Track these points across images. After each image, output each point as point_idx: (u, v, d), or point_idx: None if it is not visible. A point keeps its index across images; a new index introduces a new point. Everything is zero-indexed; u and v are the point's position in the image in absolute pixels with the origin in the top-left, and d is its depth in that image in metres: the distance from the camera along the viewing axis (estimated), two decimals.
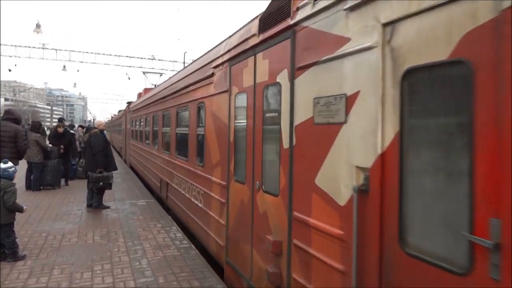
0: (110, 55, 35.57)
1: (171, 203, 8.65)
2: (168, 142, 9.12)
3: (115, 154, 22.58)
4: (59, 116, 16.11)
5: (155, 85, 19.21)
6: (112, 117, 47.86)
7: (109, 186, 9.06)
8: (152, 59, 35.03)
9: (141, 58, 35.53)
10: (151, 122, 12.04)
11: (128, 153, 19.99)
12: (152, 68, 34.62)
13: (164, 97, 9.58)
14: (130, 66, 35.53)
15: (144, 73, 23.08)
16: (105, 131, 10.18)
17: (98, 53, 35.17)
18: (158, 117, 10.56)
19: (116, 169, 9.48)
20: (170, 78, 10.31)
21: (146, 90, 18.29)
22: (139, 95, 19.77)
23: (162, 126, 10.02)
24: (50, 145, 11.83)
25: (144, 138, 13.84)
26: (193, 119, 6.64)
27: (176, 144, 8.20)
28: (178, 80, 8.15)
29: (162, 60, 35.59)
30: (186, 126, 7.29)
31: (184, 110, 7.48)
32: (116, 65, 35.54)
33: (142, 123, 14.70)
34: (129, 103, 21.78)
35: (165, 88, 9.60)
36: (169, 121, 9.07)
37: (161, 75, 23.57)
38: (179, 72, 9.12)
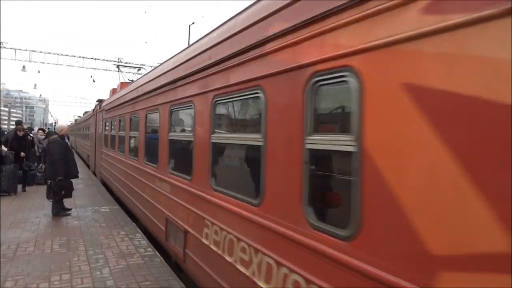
0: (74, 56, 34.37)
1: (199, 273, 4.54)
2: (186, 158, 5.00)
3: (80, 162, 21.74)
4: (17, 119, 15.32)
5: (132, 80, 16.46)
6: (76, 120, 43.84)
7: (69, 194, 8.77)
8: (118, 61, 34.13)
9: (107, 60, 34.58)
10: (143, 124, 7.68)
11: (99, 165, 15.22)
12: (118, 71, 33.80)
13: (176, 80, 5.51)
14: (95, 69, 34.50)
15: (118, 66, 20.12)
16: (67, 136, 9.71)
17: (61, 54, 33.87)
18: (161, 115, 6.28)
19: (77, 176, 9.13)
20: (190, 46, 5.51)
21: (123, 84, 14.09)
22: (113, 91, 15.55)
23: (168, 130, 5.92)
24: (5, 149, 11.23)
25: (128, 148, 9.26)
26: (288, 117, 2.87)
27: (213, 167, 4.25)
28: (224, 40, 3.99)
29: (129, 63, 34.75)
30: (252, 132, 3.67)
31: (245, 97, 3.70)
32: (80, 67, 34.37)
33: (124, 126, 9.97)
34: (100, 101, 17.53)
35: (177, 66, 5.52)
36: (183, 122, 5.91)
37: (139, 69, 19.77)
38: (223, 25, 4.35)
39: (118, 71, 19.65)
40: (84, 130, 26.32)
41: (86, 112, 31.73)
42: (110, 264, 5.56)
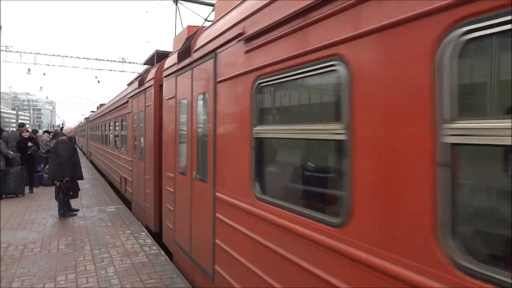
0: (78, 57, 34.62)
1: None
2: None
3: (90, 170, 21.72)
4: (20, 121, 15.46)
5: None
6: (88, 116, 30.73)
7: (76, 195, 8.86)
8: (123, 61, 34.32)
9: (111, 60, 34.79)
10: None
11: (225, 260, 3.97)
12: (122, 71, 34.01)
13: None
14: (99, 69, 34.72)
15: (176, 2, 11.07)
16: (74, 138, 9.80)
17: (66, 56, 34.14)
18: None
19: (82, 178, 9.20)
20: None
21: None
22: (189, 30, 5.94)
23: None
24: (11, 152, 11.34)
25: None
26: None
27: None
28: None
29: (133, 63, 34.89)
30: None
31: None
32: (85, 68, 34.62)
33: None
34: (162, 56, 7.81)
35: None
36: None
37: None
38: None
39: (176, 8, 10.30)
40: (108, 129, 15.69)
41: (102, 105, 22.31)
42: (115, 263, 5.60)
